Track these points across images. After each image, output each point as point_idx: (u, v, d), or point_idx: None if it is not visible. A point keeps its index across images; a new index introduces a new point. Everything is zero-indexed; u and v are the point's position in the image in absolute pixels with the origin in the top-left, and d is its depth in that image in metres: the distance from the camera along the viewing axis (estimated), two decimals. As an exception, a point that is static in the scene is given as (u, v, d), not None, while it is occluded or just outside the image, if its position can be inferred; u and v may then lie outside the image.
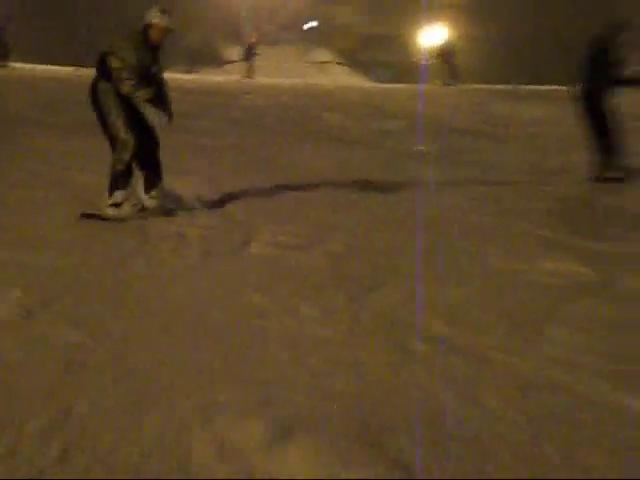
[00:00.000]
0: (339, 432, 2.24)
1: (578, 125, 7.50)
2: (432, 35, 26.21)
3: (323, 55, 34.34)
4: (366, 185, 6.94)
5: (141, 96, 5.14)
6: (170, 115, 5.33)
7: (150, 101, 5.20)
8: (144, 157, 5.34)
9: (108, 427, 2.27)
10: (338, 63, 33.81)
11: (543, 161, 9.03)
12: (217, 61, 33.05)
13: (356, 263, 4.31)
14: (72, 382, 2.62)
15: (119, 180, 5.25)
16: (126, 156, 5.19)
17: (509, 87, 21.02)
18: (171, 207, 5.48)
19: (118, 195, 5.27)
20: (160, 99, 5.33)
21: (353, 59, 33.37)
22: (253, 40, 26.06)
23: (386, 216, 5.73)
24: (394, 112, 14.40)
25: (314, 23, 34.54)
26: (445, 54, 22.92)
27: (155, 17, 5.13)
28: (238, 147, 9.41)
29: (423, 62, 25.11)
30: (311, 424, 2.29)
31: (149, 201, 5.42)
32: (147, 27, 5.16)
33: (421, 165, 8.39)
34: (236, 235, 4.88)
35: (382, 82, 27.25)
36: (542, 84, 21.40)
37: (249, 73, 25.22)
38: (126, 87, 5.10)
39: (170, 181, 5.65)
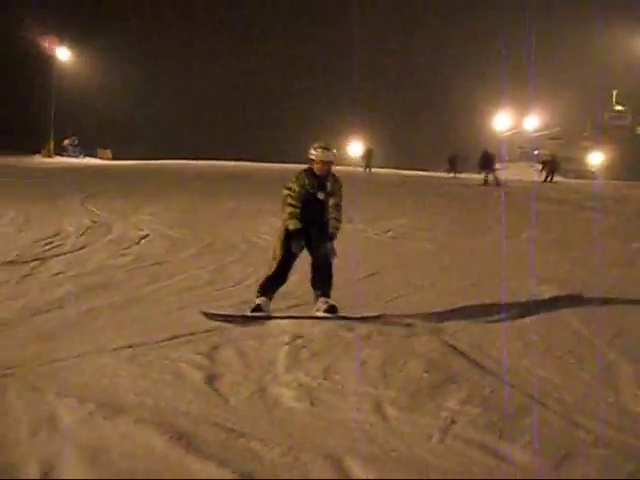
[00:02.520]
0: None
1: None
2: None
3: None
4: None
5: (290, 224, 5.99)
6: (331, 237, 6.14)
7: (313, 226, 6.03)
8: (312, 274, 6.15)
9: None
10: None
11: None
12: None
13: None
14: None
15: (264, 288, 6.03)
16: (272, 267, 6.07)
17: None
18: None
19: (258, 300, 5.96)
20: (322, 224, 6.12)
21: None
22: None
23: None
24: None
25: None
26: None
27: (312, 154, 6.12)
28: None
29: None
30: None
31: (316, 312, 5.97)
32: (310, 161, 6.16)
33: None
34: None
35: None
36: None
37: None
38: (286, 212, 6.07)
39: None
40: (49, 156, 44.39)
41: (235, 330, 5.34)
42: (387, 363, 4.53)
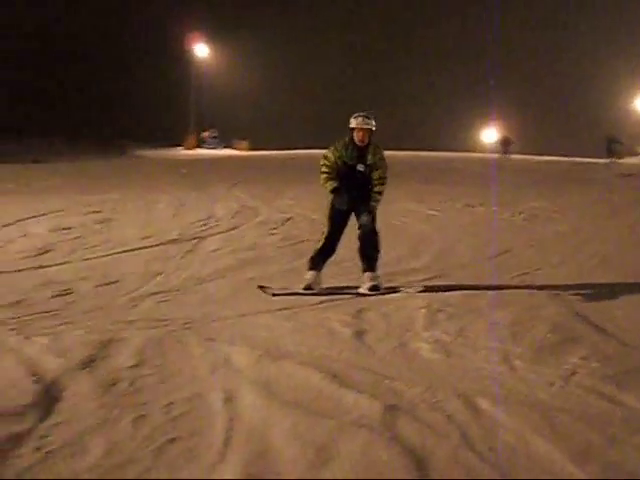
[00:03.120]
0: None
1: None
2: None
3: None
4: None
5: (327, 187, 6.11)
6: (370, 209, 6.13)
7: (358, 199, 6.07)
8: (359, 245, 6.25)
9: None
10: None
11: None
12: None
13: None
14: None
15: (314, 260, 6.28)
16: (321, 241, 6.30)
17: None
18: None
19: (308, 274, 6.22)
20: (363, 195, 6.12)
21: None
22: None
23: None
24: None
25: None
26: None
27: (352, 122, 6.03)
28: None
29: None
30: None
31: (359, 289, 6.11)
32: (350, 131, 6.07)
33: None
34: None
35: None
36: None
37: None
38: (321, 178, 6.16)
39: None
40: (190, 148, 47.16)
41: (375, 298, 5.94)
42: (516, 324, 4.97)
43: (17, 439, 3.00)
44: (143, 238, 9.12)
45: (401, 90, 61.69)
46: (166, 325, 5.03)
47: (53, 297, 6.09)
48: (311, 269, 6.22)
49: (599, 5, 60.15)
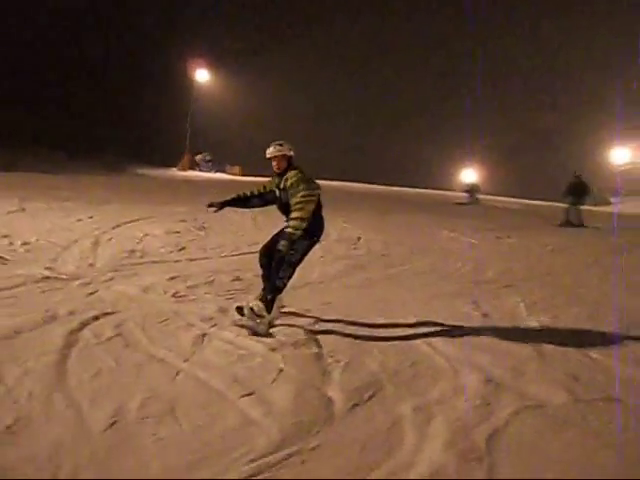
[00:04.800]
0: None
1: None
2: None
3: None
4: None
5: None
6: (285, 236, 5.75)
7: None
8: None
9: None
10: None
11: None
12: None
13: None
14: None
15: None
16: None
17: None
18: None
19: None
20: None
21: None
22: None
23: None
24: None
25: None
26: None
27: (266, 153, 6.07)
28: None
29: None
30: None
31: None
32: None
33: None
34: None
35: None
36: None
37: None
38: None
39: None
40: (184, 169, 48.69)
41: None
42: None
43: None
44: (250, 245, 10.87)
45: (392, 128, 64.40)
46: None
47: (232, 281, 7.91)
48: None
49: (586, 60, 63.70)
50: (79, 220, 12.29)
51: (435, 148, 58.88)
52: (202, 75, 55.46)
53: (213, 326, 5.79)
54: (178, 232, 11.67)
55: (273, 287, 5.89)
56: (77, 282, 7.29)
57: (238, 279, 8.05)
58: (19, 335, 5.17)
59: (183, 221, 13.20)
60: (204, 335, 5.51)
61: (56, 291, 6.82)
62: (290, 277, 5.97)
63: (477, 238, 14.46)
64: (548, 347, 5.67)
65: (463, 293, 8.00)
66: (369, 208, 21.04)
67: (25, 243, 9.35)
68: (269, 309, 5.86)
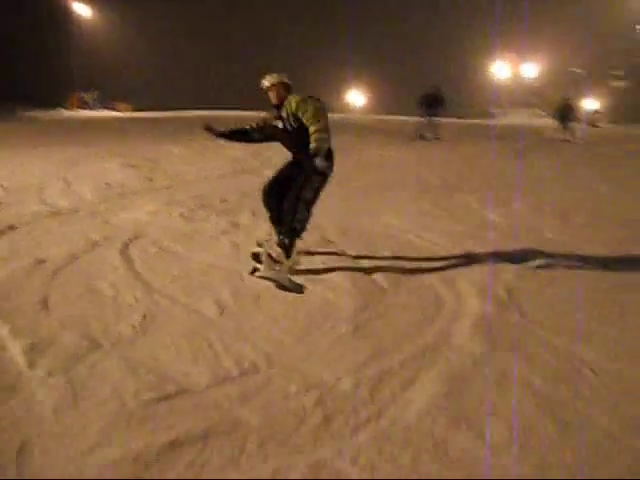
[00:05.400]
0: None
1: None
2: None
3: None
4: None
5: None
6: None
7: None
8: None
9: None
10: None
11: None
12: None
13: None
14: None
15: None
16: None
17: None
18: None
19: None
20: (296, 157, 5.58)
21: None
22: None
23: None
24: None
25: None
26: None
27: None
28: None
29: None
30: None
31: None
32: None
33: None
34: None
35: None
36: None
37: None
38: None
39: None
40: (73, 109, 46.83)
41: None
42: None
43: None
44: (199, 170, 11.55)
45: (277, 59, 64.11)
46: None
47: (221, 202, 8.74)
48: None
49: None
50: (22, 164, 12.32)
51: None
52: (83, 10, 53.01)
53: (235, 237, 6.68)
54: (134, 165, 12.11)
55: (290, 230, 5.39)
56: (81, 214, 7.84)
57: (225, 201, 8.84)
58: (78, 259, 5.84)
59: (120, 157, 13.47)
60: (237, 244, 6.39)
61: (71, 223, 7.36)
62: (307, 219, 5.43)
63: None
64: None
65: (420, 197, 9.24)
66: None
67: (-2, 186, 9.56)
68: (289, 254, 5.45)
